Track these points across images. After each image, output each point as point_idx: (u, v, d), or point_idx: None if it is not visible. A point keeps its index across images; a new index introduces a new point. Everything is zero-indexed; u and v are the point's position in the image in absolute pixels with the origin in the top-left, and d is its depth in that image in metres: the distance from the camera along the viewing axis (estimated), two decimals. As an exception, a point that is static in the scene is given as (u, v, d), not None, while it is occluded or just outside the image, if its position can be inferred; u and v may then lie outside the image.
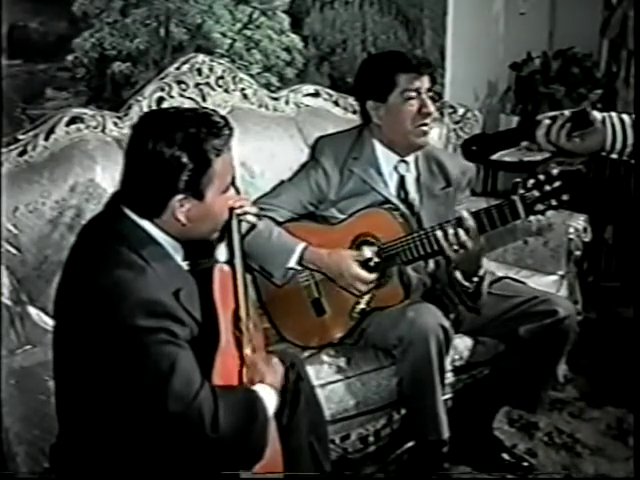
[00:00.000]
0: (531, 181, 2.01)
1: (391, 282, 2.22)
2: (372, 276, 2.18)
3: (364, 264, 2.19)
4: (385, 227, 2.20)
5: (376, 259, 2.19)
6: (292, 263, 2.21)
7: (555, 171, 1.98)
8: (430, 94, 2.25)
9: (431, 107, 2.23)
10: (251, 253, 2.14)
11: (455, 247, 2.08)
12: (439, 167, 2.37)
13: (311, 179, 2.32)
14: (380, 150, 2.32)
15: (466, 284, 2.19)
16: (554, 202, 1.99)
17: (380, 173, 2.31)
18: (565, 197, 1.98)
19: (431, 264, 2.35)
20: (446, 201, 2.36)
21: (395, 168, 2.33)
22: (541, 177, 2.00)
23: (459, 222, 2.08)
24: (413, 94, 2.22)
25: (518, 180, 2.04)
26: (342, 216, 2.29)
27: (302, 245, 2.21)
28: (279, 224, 2.27)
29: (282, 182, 2.39)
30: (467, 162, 2.37)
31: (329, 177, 2.30)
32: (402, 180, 2.33)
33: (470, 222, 2.07)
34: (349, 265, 2.17)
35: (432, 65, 2.31)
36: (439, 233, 2.09)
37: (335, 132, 2.46)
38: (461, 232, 2.07)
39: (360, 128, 2.38)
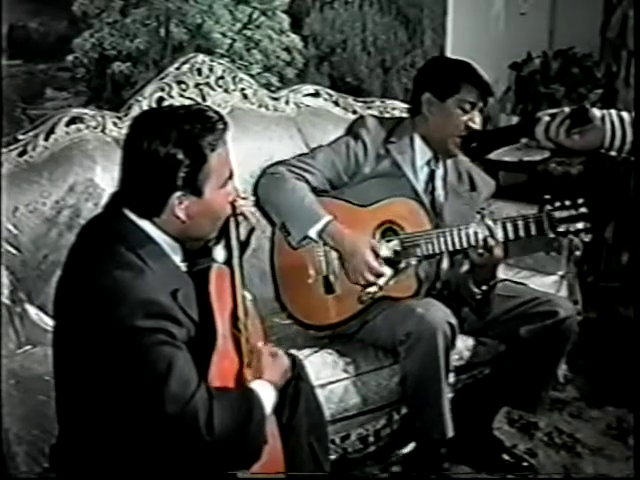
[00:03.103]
0: (558, 203, 2.12)
1: (406, 273, 2.23)
2: (383, 269, 2.19)
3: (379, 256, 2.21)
4: (412, 217, 2.24)
5: (397, 248, 2.22)
6: (313, 232, 2.23)
7: (581, 200, 2.11)
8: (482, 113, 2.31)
9: (478, 125, 2.28)
10: (281, 207, 2.27)
11: (480, 250, 2.12)
12: (467, 173, 2.43)
13: (350, 148, 2.35)
14: (418, 143, 2.36)
15: (475, 290, 2.21)
16: (580, 225, 2.12)
17: (413, 163, 2.35)
18: (588, 225, 2.12)
19: (444, 265, 2.35)
20: (470, 202, 2.40)
21: (428, 162, 2.37)
22: (567, 202, 2.12)
23: (488, 228, 2.14)
24: (468, 107, 2.27)
25: (548, 197, 2.14)
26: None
27: (328, 218, 2.24)
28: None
29: (320, 146, 2.43)
30: (490, 178, 2.49)
31: (367, 150, 2.34)
32: (432, 174, 2.37)
33: (499, 229, 2.14)
34: (365, 250, 2.19)
35: (493, 94, 2.43)
36: (470, 232, 2.15)
37: (376, 116, 2.53)
38: (490, 238, 2.13)
39: (399, 120, 2.45)
